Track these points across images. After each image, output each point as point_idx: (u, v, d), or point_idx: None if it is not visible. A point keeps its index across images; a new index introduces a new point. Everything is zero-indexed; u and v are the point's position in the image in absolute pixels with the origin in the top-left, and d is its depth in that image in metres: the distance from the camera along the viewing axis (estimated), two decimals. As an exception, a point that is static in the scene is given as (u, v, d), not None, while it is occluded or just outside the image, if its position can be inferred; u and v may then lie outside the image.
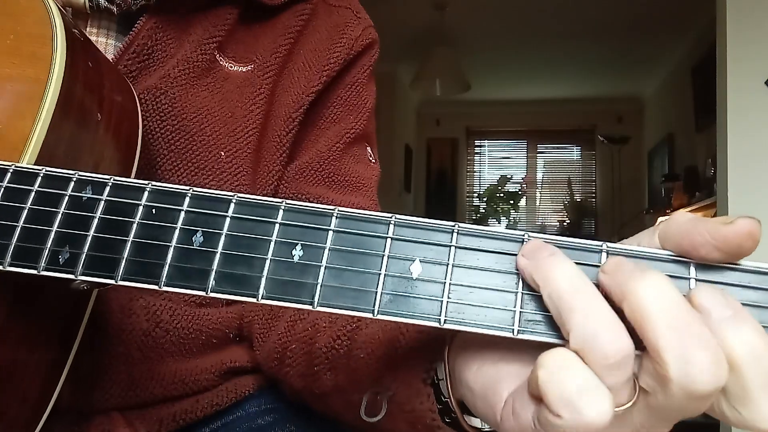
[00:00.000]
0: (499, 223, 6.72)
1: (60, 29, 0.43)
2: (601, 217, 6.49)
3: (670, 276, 0.26)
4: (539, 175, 6.74)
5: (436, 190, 6.69)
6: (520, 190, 6.73)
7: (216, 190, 0.56)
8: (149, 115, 0.54)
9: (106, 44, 0.55)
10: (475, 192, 6.81)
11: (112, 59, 0.53)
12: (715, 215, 2.90)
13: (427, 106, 6.52)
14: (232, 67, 0.59)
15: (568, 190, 6.61)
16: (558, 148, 6.76)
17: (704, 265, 0.26)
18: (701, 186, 4.12)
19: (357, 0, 0.70)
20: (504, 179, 6.72)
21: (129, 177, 0.47)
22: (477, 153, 6.85)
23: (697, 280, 0.25)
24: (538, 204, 6.75)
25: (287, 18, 0.63)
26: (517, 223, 6.68)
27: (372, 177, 0.67)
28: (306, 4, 0.64)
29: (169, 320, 0.55)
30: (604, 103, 6.26)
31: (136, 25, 0.54)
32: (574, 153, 6.72)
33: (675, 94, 5.15)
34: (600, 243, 0.27)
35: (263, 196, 0.60)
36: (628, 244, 0.28)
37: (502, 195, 6.69)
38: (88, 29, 0.55)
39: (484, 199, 6.74)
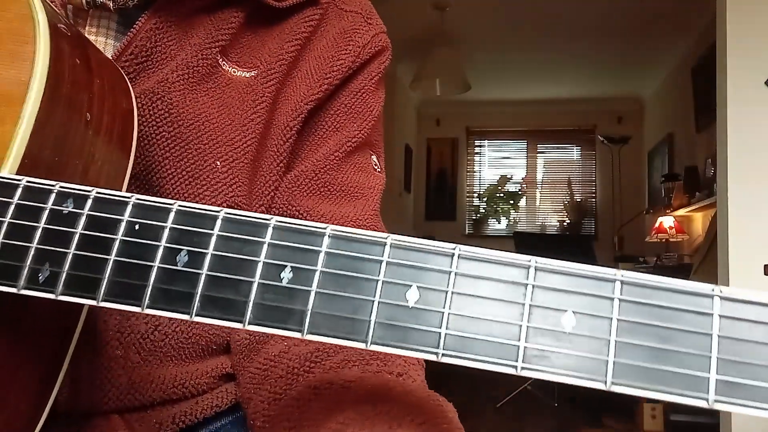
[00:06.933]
0: (499, 222, 6.72)
1: (43, 25, 0.41)
2: (601, 217, 6.48)
3: (691, 311, 0.24)
4: (539, 175, 6.73)
5: (436, 190, 6.69)
6: (520, 190, 6.72)
7: (210, 200, 0.55)
8: (145, 120, 0.52)
9: (105, 43, 0.53)
10: (475, 192, 6.80)
11: None
12: (715, 215, 2.90)
13: (427, 106, 6.51)
14: (235, 71, 0.57)
15: (568, 190, 6.60)
16: (558, 148, 6.75)
17: (729, 299, 0.24)
18: (701, 186, 4.12)
19: (370, 4, 0.67)
20: (504, 179, 6.72)
21: (123, 178, 0.46)
22: (477, 153, 6.84)
23: (720, 316, 0.23)
24: (538, 204, 6.74)
25: (295, 22, 0.60)
26: (517, 223, 6.68)
27: (374, 186, 0.63)
28: (316, 9, 0.61)
29: (168, 323, 0.54)
30: (604, 103, 6.26)
31: (135, 24, 0.52)
32: (574, 153, 6.71)
33: (675, 94, 5.15)
34: (614, 271, 0.25)
35: (259, 207, 0.58)
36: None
37: (502, 195, 6.69)
38: (87, 28, 0.53)
39: (484, 199, 6.73)
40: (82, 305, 0.44)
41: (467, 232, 6.68)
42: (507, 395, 3.95)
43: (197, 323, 0.56)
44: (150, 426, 0.54)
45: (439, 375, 0.68)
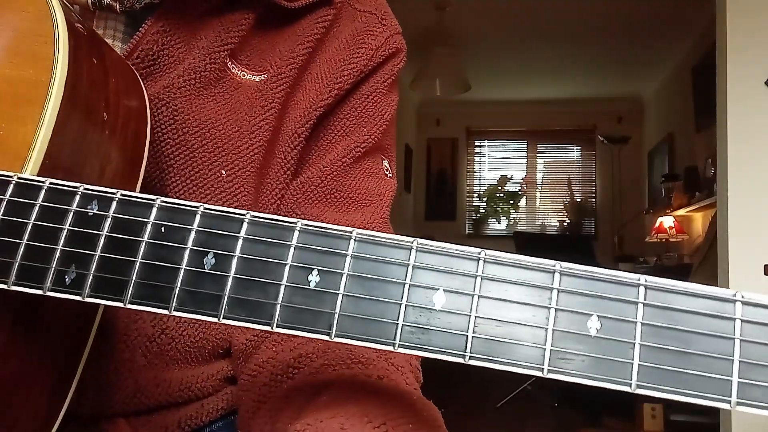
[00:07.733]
0: (499, 223, 6.72)
1: (62, 25, 0.41)
2: (601, 217, 6.48)
3: (713, 315, 0.24)
4: (539, 175, 6.74)
5: (436, 190, 6.69)
6: (520, 190, 6.72)
7: None
8: (150, 126, 0.51)
9: (112, 45, 0.52)
10: (475, 192, 6.80)
11: None
12: (715, 215, 2.90)
13: (427, 106, 6.51)
14: (244, 75, 0.55)
15: (568, 190, 6.60)
16: (558, 148, 6.75)
17: (751, 303, 0.24)
18: (701, 186, 4.12)
19: (385, 3, 0.64)
20: (504, 179, 6.72)
21: (138, 178, 0.46)
22: (477, 153, 6.84)
23: (742, 320, 0.24)
24: (538, 204, 6.75)
25: (307, 23, 0.58)
26: (517, 223, 6.68)
27: (384, 192, 0.61)
28: (329, 9, 0.59)
29: (176, 327, 0.53)
30: (604, 103, 6.26)
31: (141, 27, 0.51)
32: (574, 153, 6.71)
33: (675, 94, 5.15)
34: (638, 276, 0.26)
35: None
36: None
37: (502, 195, 6.69)
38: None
39: (484, 199, 6.73)
40: (96, 313, 0.44)
41: (467, 232, 6.69)
42: (507, 395, 3.95)
43: (205, 327, 0.55)
44: (156, 430, 0.53)
45: (440, 375, 0.68)
